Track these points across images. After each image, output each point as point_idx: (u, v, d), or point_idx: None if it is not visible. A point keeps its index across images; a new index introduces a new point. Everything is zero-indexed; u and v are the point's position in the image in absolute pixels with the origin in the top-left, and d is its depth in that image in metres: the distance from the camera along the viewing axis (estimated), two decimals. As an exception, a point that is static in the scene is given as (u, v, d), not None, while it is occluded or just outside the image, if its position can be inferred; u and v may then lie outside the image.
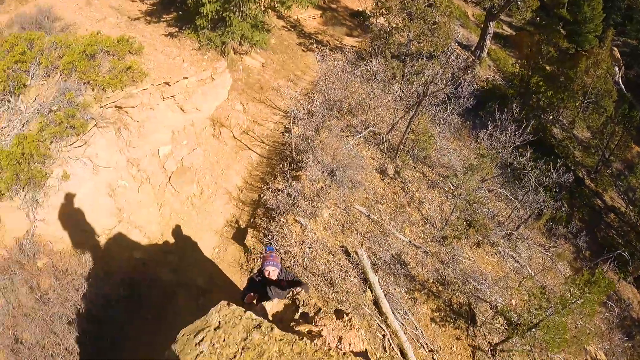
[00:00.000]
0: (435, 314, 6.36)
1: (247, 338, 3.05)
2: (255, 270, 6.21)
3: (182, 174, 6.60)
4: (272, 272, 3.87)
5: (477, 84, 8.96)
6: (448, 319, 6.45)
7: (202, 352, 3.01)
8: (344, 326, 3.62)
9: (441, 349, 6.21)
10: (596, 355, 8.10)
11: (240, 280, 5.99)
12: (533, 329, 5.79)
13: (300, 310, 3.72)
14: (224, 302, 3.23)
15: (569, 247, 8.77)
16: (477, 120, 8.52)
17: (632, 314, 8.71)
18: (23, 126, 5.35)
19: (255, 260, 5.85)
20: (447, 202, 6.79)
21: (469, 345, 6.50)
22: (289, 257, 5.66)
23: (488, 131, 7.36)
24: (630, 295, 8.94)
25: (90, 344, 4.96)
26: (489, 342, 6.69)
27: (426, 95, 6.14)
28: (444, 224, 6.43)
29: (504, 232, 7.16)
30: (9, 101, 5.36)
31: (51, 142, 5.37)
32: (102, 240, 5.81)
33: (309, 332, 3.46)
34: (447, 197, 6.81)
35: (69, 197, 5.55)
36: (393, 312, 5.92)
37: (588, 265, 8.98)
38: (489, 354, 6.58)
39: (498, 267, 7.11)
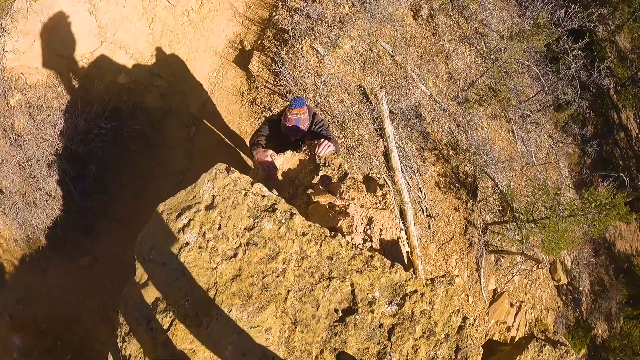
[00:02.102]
0: (441, 178, 6.12)
1: (254, 227, 2.14)
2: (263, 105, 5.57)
3: (177, -17, 5.49)
4: (302, 115, 2.89)
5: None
6: (452, 187, 6.24)
7: (187, 243, 2.10)
8: (376, 203, 2.77)
9: (438, 216, 6.09)
10: (564, 259, 8.45)
11: (239, 111, 5.38)
12: (531, 223, 5.54)
13: (320, 173, 2.78)
14: (221, 166, 2.25)
15: (575, 149, 8.59)
16: (526, -18, 7.50)
17: (607, 235, 8.94)
18: None
19: (260, 88, 5.17)
20: (477, 62, 6.10)
21: (464, 218, 6.43)
22: (300, 91, 5.01)
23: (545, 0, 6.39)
24: (611, 217, 9.07)
25: (71, 184, 4.44)
26: (482, 219, 6.65)
27: None
28: (469, 85, 5.84)
29: (521, 112, 6.74)
30: None
31: (13, -46, 4.18)
32: (83, 65, 5.01)
33: (331, 205, 2.61)
34: (477, 57, 6.11)
35: (42, 20, 4.51)
36: (401, 169, 5.59)
37: (587, 174, 8.96)
38: (480, 231, 6.57)
39: (508, 145, 6.80)
